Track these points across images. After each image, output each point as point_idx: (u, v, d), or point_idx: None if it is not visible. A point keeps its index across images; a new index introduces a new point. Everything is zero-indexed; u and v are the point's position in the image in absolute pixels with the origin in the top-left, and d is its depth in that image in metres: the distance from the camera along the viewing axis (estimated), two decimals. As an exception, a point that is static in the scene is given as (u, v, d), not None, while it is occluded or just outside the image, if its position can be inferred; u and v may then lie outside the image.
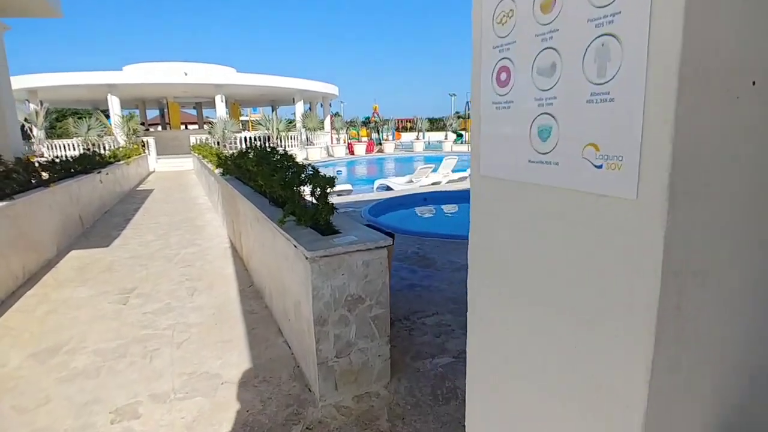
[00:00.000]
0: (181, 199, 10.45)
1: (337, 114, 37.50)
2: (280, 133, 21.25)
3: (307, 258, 2.30)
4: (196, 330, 3.53)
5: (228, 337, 3.40)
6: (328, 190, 2.63)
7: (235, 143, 19.92)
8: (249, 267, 4.86)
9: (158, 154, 19.20)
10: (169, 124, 26.36)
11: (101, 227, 7.54)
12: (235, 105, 28.74)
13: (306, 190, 3.06)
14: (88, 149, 14.74)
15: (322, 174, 2.78)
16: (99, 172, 8.68)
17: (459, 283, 4.39)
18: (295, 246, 2.48)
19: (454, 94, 44.99)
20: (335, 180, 2.65)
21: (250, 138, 20.81)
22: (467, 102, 31.89)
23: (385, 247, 2.46)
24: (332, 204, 2.60)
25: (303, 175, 3.09)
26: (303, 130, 22.92)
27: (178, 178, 15.16)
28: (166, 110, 26.98)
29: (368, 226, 3.73)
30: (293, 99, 24.80)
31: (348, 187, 11.12)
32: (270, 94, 26.19)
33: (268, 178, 3.02)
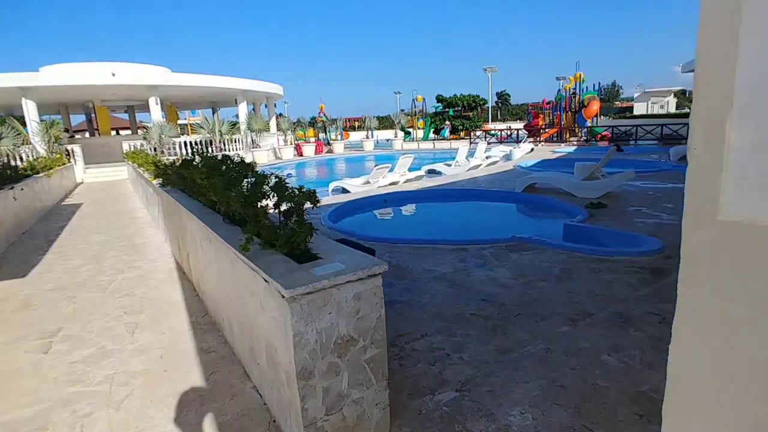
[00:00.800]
0: (115, 213, 9.38)
1: (281, 115, 36.35)
2: (223, 136, 20.06)
3: (284, 297, 1.81)
4: (141, 381, 2.90)
5: (182, 386, 2.81)
6: (306, 207, 2.13)
7: (174, 149, 18.55)
8: (201, 292, 4.22)
9: (86, 164, 17.46)
10: (98, 130, 24.24)
11: (17, 252, 6.49)
12: (171, 108, 26.95)
13: (269, 203, 2.55)
14: None
15: (294, 186, 2.28)
16: (12, 188, 7.52)
17: (441, 295, 4.01)
18: (266, 280, 1.97)
19: (399, 92, 45.27)
20: (315, 193, 2.15)
21: (191, 142, 19.49)
22: (413, 99, 31.98)
23: (379, 274, 2.01)
24: (311, 224, 2.11)
25: (266, 187, 2.57)
26: (248, 132, 21.81)
27: (112, 189, 13.80)
28: (93, 115, 24.77)
29: (342, 242, 3.26)
30: (236, 100, 23.52)
31: (302, 191, 10.50)
32: (210, 96, 24.73)
33: (223, 194, 2.47)
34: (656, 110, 42.71)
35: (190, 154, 4.99)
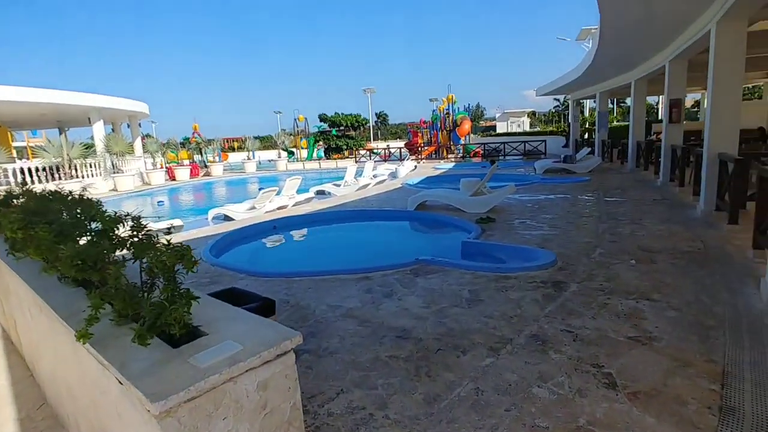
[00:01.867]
0: None
1: (148, 135, 32.80)
2: (74, 160, 17.16)
3: (149, 411, 1.20)
4: None
5: None
6: (178, 269, 1.53)
7: (7, 177, 15.30)
8: (35, 372, 3.17)
9: None
10: None
11: None
12: (2, 128, 22.47)
13: (124, 253, 1.87)
14: None
15: (159, 239, 1.65)
16: None
17: (352, 336, 3.56)
18: (121, 383, 1.33)
19: (280, 112, 44.09)
20: (191, 252, 1.55)
21: (30, 169, 16.30)
22: (295, 119, 31.36)
23: (291, 350, 1.50)
24: (189, 291, 1.51)
25: (119, 231, 1.88)
26: (107, 155, 19.01)
27: None
28: None
29: (230, 293, 2.67)
30: (89, 119, 20.45)
31: (177, 222, 9.21)
32: (55, 114, 21.14)
33: (51, 251, 1.72)
34: (514, 128, 48.02)
35: (29, 183, 3.86)
